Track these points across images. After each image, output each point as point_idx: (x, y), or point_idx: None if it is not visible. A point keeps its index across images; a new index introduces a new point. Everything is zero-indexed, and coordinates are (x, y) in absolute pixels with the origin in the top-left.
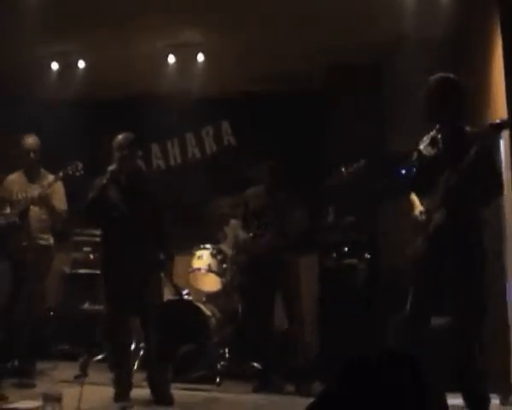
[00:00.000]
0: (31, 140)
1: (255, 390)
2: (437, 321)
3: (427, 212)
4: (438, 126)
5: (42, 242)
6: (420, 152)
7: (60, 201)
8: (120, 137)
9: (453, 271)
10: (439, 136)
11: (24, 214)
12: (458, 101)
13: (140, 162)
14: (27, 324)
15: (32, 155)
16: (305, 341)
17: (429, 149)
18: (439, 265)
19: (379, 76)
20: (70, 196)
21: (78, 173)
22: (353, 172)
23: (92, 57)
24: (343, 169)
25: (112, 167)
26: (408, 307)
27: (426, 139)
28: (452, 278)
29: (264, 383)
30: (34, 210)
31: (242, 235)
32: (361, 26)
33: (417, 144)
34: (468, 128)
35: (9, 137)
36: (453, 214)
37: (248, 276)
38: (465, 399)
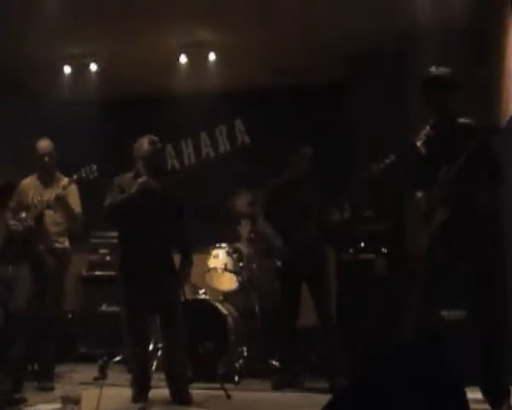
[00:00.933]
0: (44, 144)
1: (275, 387)
2: (455, 314)
3: (431, 207)
4: (432, 122)
5: (58, 245)
6: (416, 148)
7: (75, 203)
8: (144, 141)
9: (465, 262)
10: (434, 131)
11: (39, 218)
12: (451, 96)
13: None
14: (47, 327)
15: (46, 158)
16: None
17: (424, 145)
18: (448, 259)
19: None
20: (85, 197)
21: (92, 176)
22: (384, 168)
23: (104, 60)
24: (374, 164)
25: (142, 180)
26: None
27: (422, 136)
28: (466, 268)
29: (284, 380)
30: (49, 214)
31: (269, 229)
32: (376, 14)
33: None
34: (464, 120)
35: (26, 140)
36: (457, 208)
37: (282, 271)
38: (484, 393)
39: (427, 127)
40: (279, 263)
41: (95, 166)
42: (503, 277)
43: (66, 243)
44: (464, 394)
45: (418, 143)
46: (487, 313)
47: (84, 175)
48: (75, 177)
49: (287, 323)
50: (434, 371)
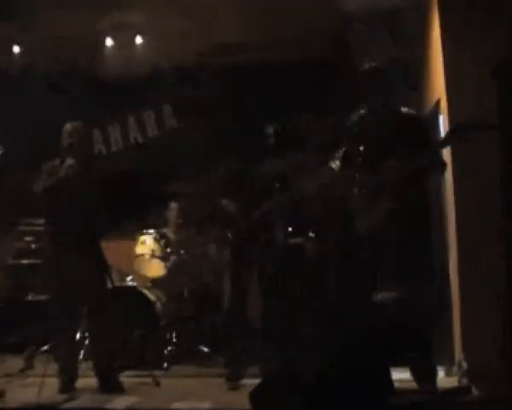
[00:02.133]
0: None
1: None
2: (384, 295)
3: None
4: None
5: None
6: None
7: None
8: (69, 126)
9: (400, 245)
10: (369, 117)
11: None
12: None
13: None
14: None
15: None
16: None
17: (358, 128)
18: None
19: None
20: None
21: None
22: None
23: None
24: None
25: (70, 162)
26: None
27: (354, 118)
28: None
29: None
30: None
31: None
32: None
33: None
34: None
35: None
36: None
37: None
38: (413, 372)
39: (361, 111)
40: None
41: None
42: (432, 260)
43: None
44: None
45: (355, 129)
46: (417, 297)
47: None
48: None
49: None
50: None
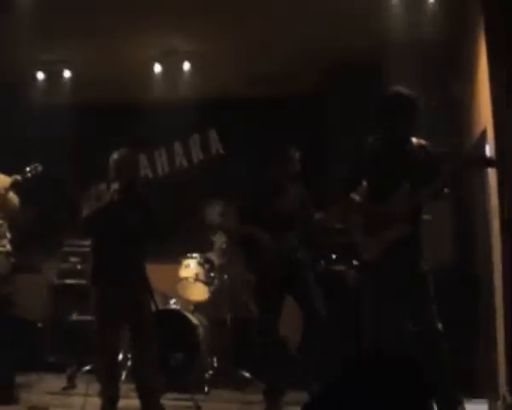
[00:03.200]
0: None
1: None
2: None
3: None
4: (385, 136)
5: (4, 247)
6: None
7: (14, 203)
8: (117, 152)
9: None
10: (388, 146)
11: None
12: (412, 116)
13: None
14: None
15: None
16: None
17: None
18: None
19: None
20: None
21: (35, 173)
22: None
23: (78, 66)
24: None
25: (115, 187)
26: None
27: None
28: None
29: (269, 396)
30: None
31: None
32: (351, 26)
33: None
34: (422, 142)
35: None
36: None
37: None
38: (437, 404)
39: (378, 141)
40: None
41: (40, 167)
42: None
43: (8, 247)
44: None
45: (367, 158)
46: (434, 330)
47: (29, 175)
48: (19, 177)
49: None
50: (402, 383)
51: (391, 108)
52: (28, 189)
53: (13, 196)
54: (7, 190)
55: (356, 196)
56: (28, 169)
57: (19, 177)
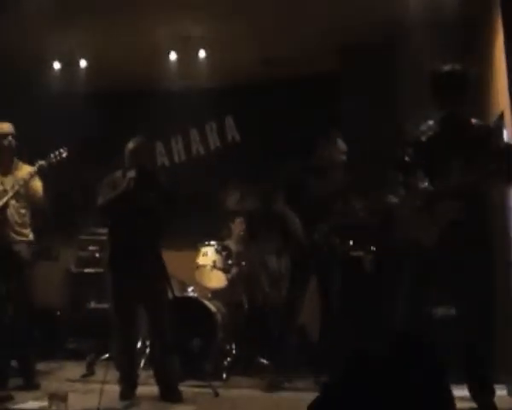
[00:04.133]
0: (5, 125)
1: (269, 389)
2: (441, 311)
3: (434, 200)
4: (440, 117)
5: (23, 238)
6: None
7: (38, 190)
8: (133, 139)
9: (462, 261)
10: (442, 126)
11: (4, 209)
12: (465, 91)
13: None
14: (19, 325)
15: (6, 141)
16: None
17: (431, 139)
18: (448, 255)
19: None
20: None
21: (59, 158)
22: None
23: (94, 55)
24: None
25: (131, 175)
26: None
27: (429, 127)
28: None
29: (278, 381)
30: (12, 203)
31: (299, 224)
32: (366, 6)
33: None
34: (473, 119)
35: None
36: (467, 206)
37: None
38: (470, 390)
39: (433, 122)
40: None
41: (63, 151)
42: (489, 276)
43: (31, 236)
44: (450, 391)
45: (423, 138)
46: (473, 312)
47: (53, 160)
48: (44, 162)
49: (291, 320)
50: (420, 368)
51: (445, 84)
52: (50, 174)
53: (37, 184)
54: (31, 177)
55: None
56: (53, 155)
57: (44, 162)
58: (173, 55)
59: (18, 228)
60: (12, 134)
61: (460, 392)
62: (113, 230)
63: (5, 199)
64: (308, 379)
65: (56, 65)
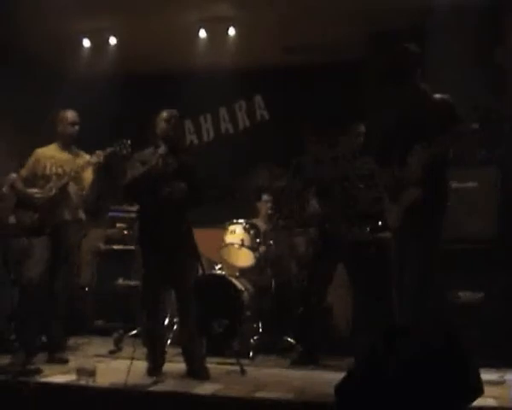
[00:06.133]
0: (72, 114)
1: (294, 364)
2: (467, 296)
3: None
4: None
5: (77, 217)
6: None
7: (88, 177)
8: (164, 113)
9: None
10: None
11: (65, 188)
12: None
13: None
14: (58, 300)
15: (73, 127)
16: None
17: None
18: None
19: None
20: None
21: (125, 151)
22: None
23: (123, 34)
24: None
25: (162, 151)
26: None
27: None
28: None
29: (303, 358)
30: (71, 185)
31: (316, 205)
32: None
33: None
34: (440, 96)
35: (46, 112)
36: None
37: (316, 247)
38: None
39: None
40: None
41: (129, 142)
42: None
43: (81, 215)
44: (478, 374)
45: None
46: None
47: (118, 149)
48: (108, 150)
49: (316, 301)
50: (447, 352)
51: (398, 65)
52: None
53: (88, 171)
54: (87, 165)
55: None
56: (115, 144)
57: (108, 149)
58: (203, 34)
59: (74, 209)
60: (78, 122)
61: (487, 376)
62: (142, 208)
63: (65, 180)
64: (334, 359)
65: (86, 43)
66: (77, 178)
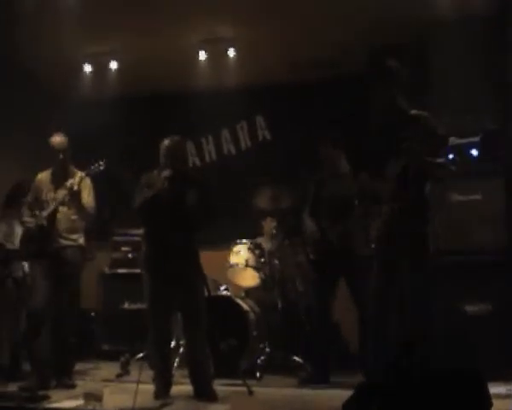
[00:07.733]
0: (58, 139)
1: (302, 383)
2: (475, 307)
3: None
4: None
5: (71, 243)
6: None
7: (88, 198)
8: (168, 139)
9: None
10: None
11: (53, 216)
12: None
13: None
14: (64, 326)
15: (60, 155)
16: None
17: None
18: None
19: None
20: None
21: (98, 169)
22: None
23: (124, 57)
24: None
25: (166, 174)
26: None
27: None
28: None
29: (311, 376)
30: (63, 211)
31: (312, 226)
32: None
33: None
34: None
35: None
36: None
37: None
38: None
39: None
40: (312, 256)
41: (103, 163)
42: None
43: (81, 240)
44: (486, 388)
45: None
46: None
47: (92, 172)
48: (84, 173)
49: (322, 318)
50: (455, 367)
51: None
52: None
53: (85, 192)
54: (72, 188)
55: None
56: (92, 167)
57: (83, 173)
58: (203, 55)
59: (66, 234)
60: (66, 146)
61: (496, 389)
62: (149, 230)
63: (51, 208)
64: (342, 376)
65: (87, 68)
66: (73, 200)
